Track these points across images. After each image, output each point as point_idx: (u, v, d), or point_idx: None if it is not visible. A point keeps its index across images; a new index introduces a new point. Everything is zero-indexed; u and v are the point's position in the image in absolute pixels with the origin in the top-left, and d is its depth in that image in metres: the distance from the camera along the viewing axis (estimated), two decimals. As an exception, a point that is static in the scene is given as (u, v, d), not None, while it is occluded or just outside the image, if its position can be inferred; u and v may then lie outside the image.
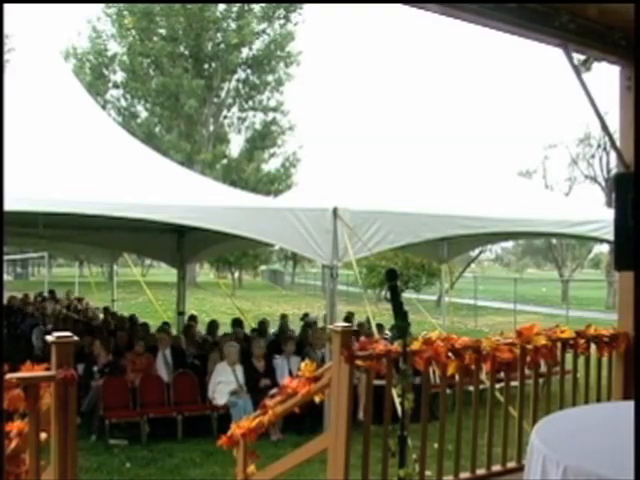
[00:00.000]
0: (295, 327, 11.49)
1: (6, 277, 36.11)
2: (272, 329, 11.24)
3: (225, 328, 11.09)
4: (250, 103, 41.93)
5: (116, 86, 40.47)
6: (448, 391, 4.58)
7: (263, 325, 10.95)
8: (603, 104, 5.08)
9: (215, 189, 8.98)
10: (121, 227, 9.70)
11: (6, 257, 27.48)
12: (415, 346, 3.97)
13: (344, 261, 6.83)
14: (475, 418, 4.25)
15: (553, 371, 4.72)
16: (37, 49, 9.55)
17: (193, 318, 11.28)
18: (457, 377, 4.23)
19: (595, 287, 34.22)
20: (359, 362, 3.79)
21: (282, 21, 39.92)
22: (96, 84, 37.06)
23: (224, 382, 7.64)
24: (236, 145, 43.14)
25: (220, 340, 9.23)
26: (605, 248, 34.17)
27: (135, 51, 38.25)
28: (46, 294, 18.25)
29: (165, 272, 32.03)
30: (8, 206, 3.90)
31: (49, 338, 2.92)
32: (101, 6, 37.99)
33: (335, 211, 6.69)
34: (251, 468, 4.57)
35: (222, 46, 39.02)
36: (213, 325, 10.88)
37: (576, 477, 2.15)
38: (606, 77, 5.41)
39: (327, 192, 8.72)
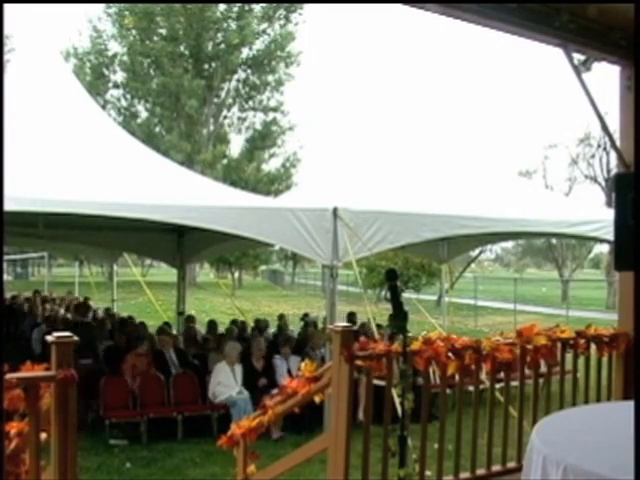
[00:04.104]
0: (295, 327, 11.49)
1: (6, 277, 36.10)
2: (272, 329, 11.24)
3: (225, 328, 11.09)
4: (250, 103, 41.95)
5: (116, 86, 40.48)
6: (448, 391, 4.58)
7: (261, 324, 10.95)
8: (603, 104, 5.09)
9: (215, 189, 8.98)
10: (121, 227, 9.69)
11: (6, 257, 27.47)
12: (415, 346, 3.97)
13: (344, 261, 6.83)
14: (475, 418, 4.25)
15: (553, 371, 4.72)
16: (37, 49, 9.54)
17: (191, 319, 11.28)
18: (457, 377, 4.23)
19: (595, 287, 34.21)
20: (359, 362, 3.79)
21: (282, 21, 39.93)
22: (96, 84, 37.05)
23: (223, 382, 7.64)
24: (236, 145, 43.25)
25: (218, 340, 9.24)
26: (605, 248, 34.18)
27: (135, 51, 38.25)
28: (45, 294, 18.27)
29: (165, 272, 32.01)
30: (8, 206, 3.90)
31: (49, 338, 2.92)
32: (102, 6, 38.06)
33: (335, 211, 6.69)
34: (251, 468, 4.57)
35: (222, 46, 39.02)
36: (212, 325, 10.89)
37: (576, 477, 2.15)
38: (606, 77, 5.42)
39: (327, 192, 8.72)
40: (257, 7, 38.77)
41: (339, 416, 3.75)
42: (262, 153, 41.11)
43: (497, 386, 4.65)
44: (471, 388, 4.50)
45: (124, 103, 40.93)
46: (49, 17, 47.75)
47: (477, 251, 22.35)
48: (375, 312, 9.44)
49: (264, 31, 39.71)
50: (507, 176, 10.80)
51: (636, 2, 3.90)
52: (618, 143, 5.17)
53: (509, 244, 55.80)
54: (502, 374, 4.49)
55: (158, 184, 7.32)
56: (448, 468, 4.18)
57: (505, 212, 8.07)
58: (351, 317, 10.76)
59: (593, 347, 4.88)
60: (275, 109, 41.77)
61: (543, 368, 4.74)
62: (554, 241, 36.26)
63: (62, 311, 14.47)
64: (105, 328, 10.70)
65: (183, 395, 7.70)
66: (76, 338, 2.95)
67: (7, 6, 3.44)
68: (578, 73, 4.66)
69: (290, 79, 41.36)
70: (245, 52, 39.88)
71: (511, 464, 4.40)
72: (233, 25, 38.65)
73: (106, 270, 33.79)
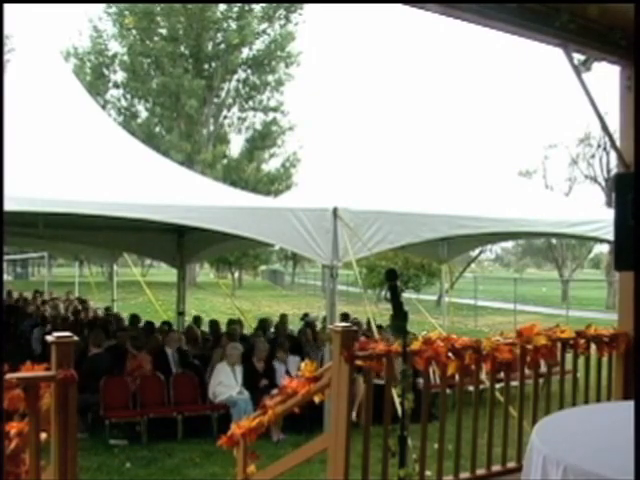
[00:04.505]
0: (295, 327, 11.48)
1: (6, 277, 36.10)
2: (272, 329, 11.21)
3: (225, 328, 11.08)
4: (250, 103, 41.95)
5: (116, 86, 40.49)
6: (448, 391, 4.58)
7: (264, 324, 10.92)
8: (603, 104, 5.09)
9: (215, 189, 8.98)
10: (121, 227, 9.69)
11: (6, 257, 27.45)
12: (415, 346, 3.97)
13: (344, 261, 6.83)
14: (475, 418, 4.25)
15: (553, 371, 4.72)
16: (37, 49, 9.54)
17: (197, 320, 11.25)
18: (457, 377, 4.23)
19: (595, 287, 34.21)
20: (359, 362, 3.79)
21: (282, 21, 39.94)
22: (96, 84, 37.06)
23: (224, 382, 7.64)
24: (236, 145, 43.28)
25: (220, 340, 9.22)
26: (605, 248, 34.19)
27: (136, 51, 38.26)
28: (46, 297, 18.27)
29: (165, 272, 32.02)
30: (8, 206, 3.90)
31: (49, 338, 2.92)
32: (102, 6, 38.06)
33: (335, 211, 6.69)
34: (251, 468, 4.57)
35: (222, 46, 39.04)
36: (214, 325, 10.86)
37: (576, 477, 2.15)
38: (606, 77, 5.42)
39: (327, 192, 8.71)
40: (257, 7, 38.77)
41: (339, 416, 3.75)
42: (262, 153, 41.11)
43: (497, 386, 4.65)
44: (471, 388, 4.50)
45: (124, 103, 40.96)
46: (49, 17, 47.80)
47: (477, 251, 22.36)
48: (375, 312, 9.43)
49: (264, 31, 39.72)
50: (507, 176, 10.80)
51: (636, 2, 3.90)
52: (618, 143, 5.18)
53: (509, 244, 55.84)
54: (502, 374, 4.49)
55: (158, 184, 7.31)
56: (448, 468, 4.18)
57: (505, 212, 8.07)
58: (345, 316, 10.79)
59: (593, 347, 4.88)
60: (275, 109, 41.77)
61: (543, 368, 4.74)
62: (554, 241, 36.25)
63: (62, 311, 14.47)
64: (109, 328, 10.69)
65: (183, 395, 7.70)
66: (76, 338, 2.95)
67: (7, 6, 3.44)
68: (578, 73, 4.66)
69: (290, 79, 41.40)
70: (245, 52, 39.91)
71: (511, 464, 4.40)
72: (233, 25, 38.65)
73: (106, 270, 33.80)
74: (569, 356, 4.79)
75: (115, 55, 39.78)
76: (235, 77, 40.93)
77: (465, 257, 20.09)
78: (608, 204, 27.06)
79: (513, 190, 9.47)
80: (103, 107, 29.68)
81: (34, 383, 2.85)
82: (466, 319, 21.84)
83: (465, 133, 11.31)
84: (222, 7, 38.47)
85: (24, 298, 16.92)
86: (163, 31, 38.68)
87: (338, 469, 3.73)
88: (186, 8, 36.85)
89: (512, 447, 4.41)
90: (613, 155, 30.74)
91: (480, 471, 4.31)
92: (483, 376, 4.87)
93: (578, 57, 4.66)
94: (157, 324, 10.75)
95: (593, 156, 35.71)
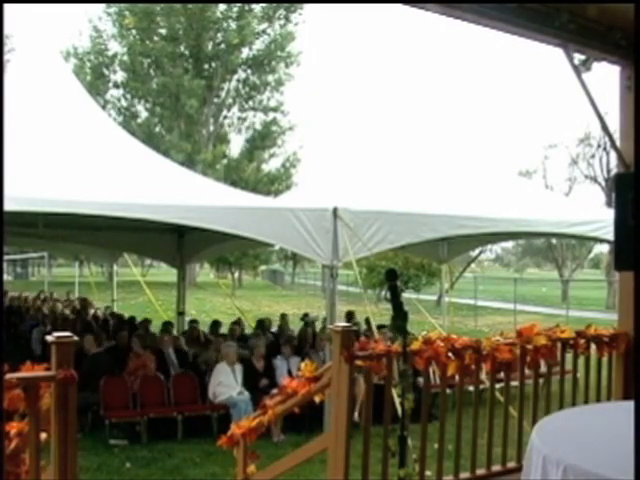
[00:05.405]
0: (295, 327, 11.49)
1: (6, 277, 36.11)
2: (273, 329, 11.22)
3: (225, 329, 11.08)
4: (250, 103, 41.94)
5: (116, 86, 40.47)
6: (448, 391, 4.58)
7: (263, 324, 10.94)
8: (603, 104, 5.09)
9: (215, 189, 8.98)
10: (121, 227, 9.70)
11: (6, 257, 27.47)
12: (415, 346, 3.97)
13: (344, 261, 6.83)
14: (475, 418, 4.25)
15: (553, 371, 4.72)
16: (37, 49, 9.54)
17: (194, 322, 11.24)
18: (457, 377, 4.23)
19: (595, 287, 34.20)
20: (359, 362, 3.79)
21: (282, 21, 39.92)
22: (96, 84, 37.05)
23: (224, 382, 7.64)
24: (236, 145, 43.24)
25: (219, 340, 9.23)
26: (605, 248, 34.19)
27: (135, 51, 38.24)
28: (47, 295, 18.27)
29: (165, 272, 32.03)
30: (8, 206, 3.90)
31: (49, 338, 2.92)
32: (102, 6, 38.05)
33: (335, 211, 6.69)
34: (251, 468, 4.57)
35: (222, 46, 39.03)
36: (216, 326, 10.88)
37: (576, 477, 2.15)
38: (606, 77, 5.42)
39: (327, 192, 8.72)
40: (257, 7, 38.75)
41: (339, 416, 3.75)
42: (262, 153, 41.09)
43: (497, 386, 4.65)
44: (471, 388, 4.51)
45: (124, 103, 40.93)
46: (49, 17, 47.81)
47: (477, 251, 22.36)
48: (375, 312, 9.43)
49: (264, 31, 39.70)
50: (507, 176, 10.80)
51: (636, 2, 3.90)
52: (618, 143, 5.18)
53: (509, 244, 55.84)
54: (502, 374, 4.49)
55: (158, 184, 7.32)
56: (448, 468, 4.18)
57: (505, 212, 8.07)
58: (349, 316, 10.81)
59: (593, 347, 4.89)
60: (275, 109, 41.75)
61: (543, 368, 4.74)
62: (554, 241, 36.25)
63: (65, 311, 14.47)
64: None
65: (183, 395, 7.70)
66: (76, 338, 2.95)
67: (7, 6, 3.44)
68: (578, 73, 4.66)
69: (290, 79, 41.37)
70: (245, 52, 39.88)
71: (511, 464, 4.40)
72: (233, 25, 38.63)
73: (106, 270, 33.79)
74: (569, 356, 4.79)
75: (115, 55, 39.75)
76: (235, 77, 40.92)
77: (465, 257, 20.10)
78: (608, 204, 27.05)
79: (513, 190, 9.47)
80: (103, 107, 29.69)
81: (34, 383, 2.85)
82: (466, 319, 21.83)
83: (465, 133, 11.32)
84: (222, 7, 38.45)
85: (25, 297, 16.96)
86: (163, 31, 38.67)
87: (338, 469, 3.73)
88: (186, 8, 36.82)
89: (512, 447, 4.41)
90: (613, 155, 30.74)
91: (480, 471, 4.31)
92: (483, 376, 4.87)
93: (578, 57, 4.66)
94: (152, 323, 10.77)
95: (593, 156, 35.73)
